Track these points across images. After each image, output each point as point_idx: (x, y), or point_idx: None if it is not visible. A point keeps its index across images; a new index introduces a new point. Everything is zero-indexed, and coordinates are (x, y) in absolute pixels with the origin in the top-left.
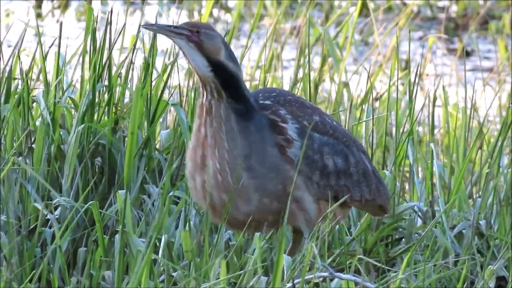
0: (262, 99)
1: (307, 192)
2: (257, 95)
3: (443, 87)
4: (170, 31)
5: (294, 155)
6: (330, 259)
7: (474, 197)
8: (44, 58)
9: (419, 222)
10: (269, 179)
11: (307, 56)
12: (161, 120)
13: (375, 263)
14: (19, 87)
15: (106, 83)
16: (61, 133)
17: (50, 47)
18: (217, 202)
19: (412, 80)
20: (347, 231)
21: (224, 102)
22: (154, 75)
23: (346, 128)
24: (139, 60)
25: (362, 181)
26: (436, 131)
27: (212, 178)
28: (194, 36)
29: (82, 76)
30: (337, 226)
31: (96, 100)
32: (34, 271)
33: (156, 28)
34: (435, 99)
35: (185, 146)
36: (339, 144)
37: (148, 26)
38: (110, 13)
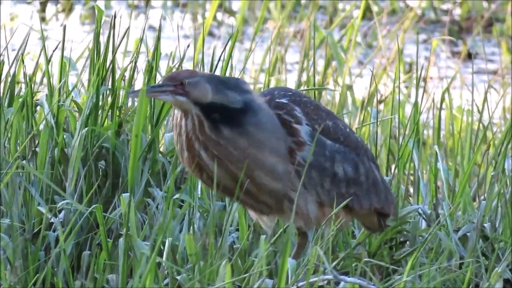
0: (278, 97)
1: (309, 194)
2: (273, 93)
3: (449, 90)
4: (155, 91)
5: (303, 158)
6: (335, 263)
7: (479, 199)
8: (49, 61)
9: (424, 224)
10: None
11: (311, 59)
12: (165, 123)
13: (381, 263)
14: (23, 90)
15: (110, 86)
16: (64, 136)
17: (54, 51)
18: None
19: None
20: (351, 234)
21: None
22: (158, 78)
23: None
24: (142, 63)
25: (371, 189)
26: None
27: (220, 177)
28: (179, 89)
29: (89, 79)
30: (341, 230)
31: (100, 103)
32: (38, 274)
33: (140, 94)
34: (442, 100)
35: None
36: (350, 152)
37: (133, 93)
38: (114, 17)
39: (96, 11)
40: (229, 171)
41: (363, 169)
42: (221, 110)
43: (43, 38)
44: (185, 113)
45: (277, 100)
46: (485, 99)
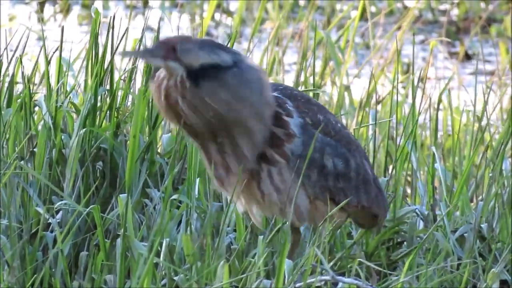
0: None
1: (301, 188)
2: None
3: (448, 91)
4: (144, 55)
5: (290, 151)
6: (332, 263)
7: (476, 200)
8: (48, 63)
9: (421, 225)
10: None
11: (309, 60)
12: (162, 124)
13: (377, 267)
14: (19, 90)
15: (108, 87)
16: (62, 137)
17: (54, 52)
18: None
19: (414, 83)
20: (348, 235)
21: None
22: None
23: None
24: (141, 64)
25: (361, 187)
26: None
27: (195, 125)
28: (171, 54)
29: (86, 81)
30: (339, 229)
31: (98, 104)
32: (35, 275)
33: (133, 55)
34: (440, 101)
35: (186, 150)
36: (341, 147)
37: (127, 53)
38: (112, 18)
39: (93, 14)
40: (204, 121)
41: (354, 164)
42: (209, 69)
43: (44, 39)
44: (170, 75)
45: None
46: (485, 101)
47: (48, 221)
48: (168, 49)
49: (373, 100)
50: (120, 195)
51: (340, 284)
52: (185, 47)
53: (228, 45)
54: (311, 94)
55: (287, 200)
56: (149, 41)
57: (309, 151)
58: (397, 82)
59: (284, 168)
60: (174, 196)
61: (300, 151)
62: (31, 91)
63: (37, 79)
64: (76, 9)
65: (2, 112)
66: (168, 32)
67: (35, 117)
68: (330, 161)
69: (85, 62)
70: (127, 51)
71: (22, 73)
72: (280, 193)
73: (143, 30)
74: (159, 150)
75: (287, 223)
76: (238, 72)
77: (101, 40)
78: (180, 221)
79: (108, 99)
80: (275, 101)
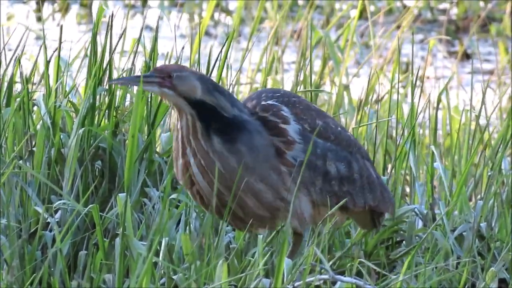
0: (265, 99)
1: (302, 193)
2: (260, 95)
3: (447, 90)
4: (138, 81)
5: (293, 158)
6: (331, 262)
7: (475, 199)
8: (48, 62)
9: (420, 224)
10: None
11: (308, 59)
12: (161, 123)
13: (375, 268)
14: (17, 90)
15: (107, 86)
16: (61, 136)
17: (54, 52)
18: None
19: (414, 82)
20: (347, 234)
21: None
22: None
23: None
24: (139, 63)
25: (366, 187)
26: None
27: (204, 189)
28: (166, 81)
29: (87, 79)
30: (338, 229)
31: (97, 103)
32: (34, 274)
33: (124, 82)
34: (439, 100)
35: None
36: (342, 150)
37: (114, 81)
38: (111, 17)
39: (96, 10)
40: (213, 186)
41: (357, 166)
42: (213, 114)
43: (44, 39)
44: (180, 113)
45: (263, 103)
46: (484, 100)
47: (47, 221)
48: (164, 76)
49: (373, 100)
50: (119, 194)
51: (339, 283)
52: (181, 74)
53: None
54: (309, 93)
55: (289, 206)
56: (147, 41)
57: (311, 158)
58: (397, 82)
59: (286, 177)
60: (173, 195)
61: (302, 157)
62: (29, 91)
63: (35, 79)
64: (74, 8)
65: (2, 111)
66: (167, 31)
67: (34, 117)
68: (333, 166)
69: (83, 62)
70: (116, 78)
71: (21, 72)
72: (285, 202)
73: (141, 30)
74: (158, 150)
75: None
76: (248, 138)
77: (100, 39)
78: (179, 221)
79: (106, 99)
80: (270, 110)
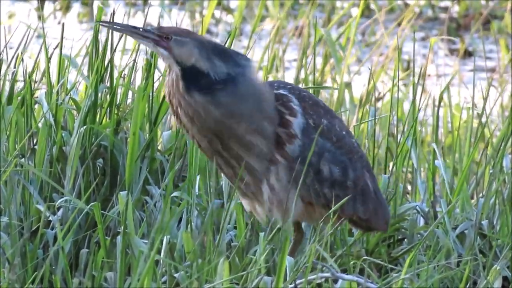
0: (277, 88)
1: (293, 186)
2: (273, 84)
3: (449, 88)
4: (135, 32)
5: (292, 152)
6: (333, 260)
7: (477, 197)
8: (49, 60)
9: (421, 222)
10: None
11: (309, 57)
12: (163, 121)
13: (379, 262)
14: (19, 87)
15: (108, 84)
16: (63, 134)
17: (54, 49)
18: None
19: (415, 80)
20: (349, 231)
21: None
22: (157, 75)
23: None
24: (141, 61)
25: (358, 198)
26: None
27: (195, 136)
28: (164, 42)
29: (89, 77)
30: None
31: (98, 101)
32: (36, 272)
33: (119, 28)
34: (441, 98)
35: (187, 147)
36: (341, 154)
37: (105, 23)
38: (112, 15)
39: (96, 10)
40: (202, 133)
41: (353, 174)
42: (201, 75)
43: (44, 37)
44: (169, 68)
45: (275, 91)
46: (486, 97)
47: (49, 219)
48: (162, 36)
49: (374, 97)
50: (121, 192)
51: (340, 282)
52: (180, 39)
53: (227, 43)
54: (311, 91)
55: (278, 200)
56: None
57: (308, 154)
58: (398, 79)
59: (281, 168)
60: (175, 194)
61: (298, 152)
62: (31, 89)
63: (37, 77)
64: (76, 7)
65: (3, 109)
66: None
67: (36, 115)
68: (326, 167)
69: (85, 60)
70: (108, 21)
71: (23, 70)
72: (273, 192)
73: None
74: (159, 147)
75: (289, 221)
76: (232, 90)
77: (101, 37)
78: (181, 219)
79: (108, 96)
80: (280, 99)
